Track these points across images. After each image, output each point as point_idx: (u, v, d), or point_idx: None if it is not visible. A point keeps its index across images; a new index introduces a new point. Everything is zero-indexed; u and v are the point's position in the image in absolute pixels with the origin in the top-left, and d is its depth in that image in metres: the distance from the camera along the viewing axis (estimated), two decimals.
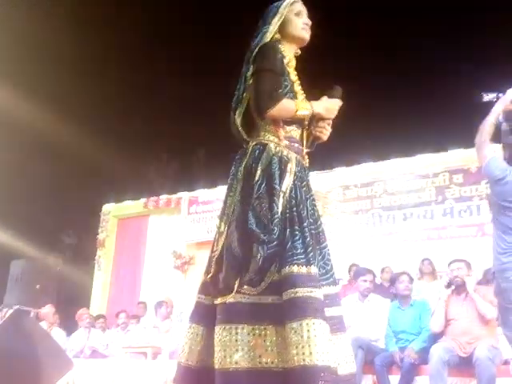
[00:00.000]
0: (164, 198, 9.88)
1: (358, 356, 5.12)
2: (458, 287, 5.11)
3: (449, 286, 5.19)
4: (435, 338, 5.03)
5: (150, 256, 9.77)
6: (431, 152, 7.87)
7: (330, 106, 2.60)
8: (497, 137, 3.91)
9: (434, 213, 7.60)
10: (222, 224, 2.51)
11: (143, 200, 10.08)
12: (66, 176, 9.55)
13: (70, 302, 9.65)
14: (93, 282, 10.14)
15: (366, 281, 5.72)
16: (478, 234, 7.20)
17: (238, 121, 2.58)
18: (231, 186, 2.54)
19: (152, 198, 10.00)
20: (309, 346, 2.17)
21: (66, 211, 10.89)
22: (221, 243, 2.50)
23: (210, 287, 2.48)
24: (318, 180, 8.27)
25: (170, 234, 9.45)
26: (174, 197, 9.78)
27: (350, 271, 6.73)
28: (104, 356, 7.59)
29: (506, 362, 4.85)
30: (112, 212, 10.38)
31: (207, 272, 2.53)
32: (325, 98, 2.62)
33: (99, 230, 10.31)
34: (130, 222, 10.28)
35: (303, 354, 2.16)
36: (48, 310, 7.66)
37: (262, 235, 2.34)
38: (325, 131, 2.61)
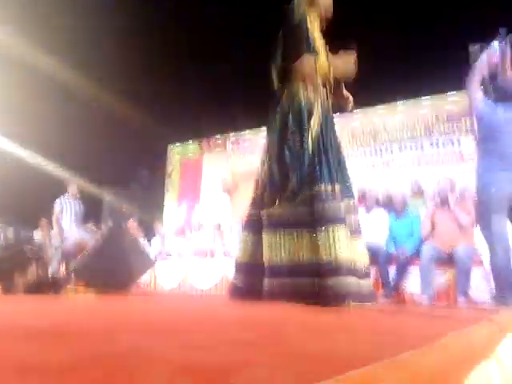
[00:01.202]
0: (215, 138, 9.81)
1: None
2: (443, 200, 5.06)
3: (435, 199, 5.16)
4: (424, 240, 5.06)
5: (206, 183, 9.85)
6: (420, 96, 7.55)
7: (347, 62, 2.51)
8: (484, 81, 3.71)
9: (424, 144, 7.39)
10: (266, 157, 2.50)
11: (198, 143, 10.06)
12: (139, 120, 9.41)
13: (149, 218, 9.87)
14: (164, 203, 10.34)
15: (370, 197, 5.70)
16: (457, 161, 6.99)
17: (274, 73, 2.52)
18: (271, 126, 2.51)
19: (205, 140, 9.96)
20: (332, 246, 2.20)
21: (140, 150, 10.80)
22: (264, 171, 2.50)
23: (258, 203, 2.51)
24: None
25: (220, 167, 9.48)
26: (221, 137, 9.71)
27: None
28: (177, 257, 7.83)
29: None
30: (175, 151, 10.41)
31: (255, 192, 2.55)
32: (344, 57, 2.53)
33: (167, 164, 10.40)
34: (190, 159, 10.31)
35: (328, 252, 2.20)
36: (132, 223, 7.87)
37: (294, 166, 2.34)
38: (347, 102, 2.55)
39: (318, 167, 2.37)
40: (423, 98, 7.54)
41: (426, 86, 7.38)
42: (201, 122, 9.47)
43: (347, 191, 2.51)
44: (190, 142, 10.27)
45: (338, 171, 2.44)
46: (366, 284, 2.43)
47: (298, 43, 2.43)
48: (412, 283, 5.05)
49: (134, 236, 7.20)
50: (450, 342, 0.99)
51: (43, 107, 8.58)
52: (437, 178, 5.72)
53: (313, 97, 2.48)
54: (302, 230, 2.36)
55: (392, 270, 5.21)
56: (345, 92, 2.60)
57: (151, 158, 12.10)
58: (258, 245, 2.48)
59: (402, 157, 7.52)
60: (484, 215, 3.57)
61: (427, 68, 6.86)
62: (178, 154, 10.41)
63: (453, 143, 7.14)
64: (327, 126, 2.48)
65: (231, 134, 9.51)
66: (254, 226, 2.54)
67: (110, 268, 4.64)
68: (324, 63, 2.46)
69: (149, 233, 8.71)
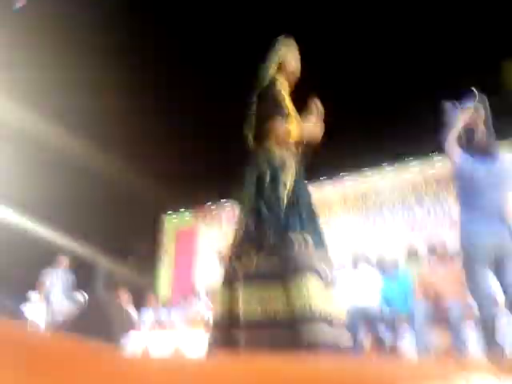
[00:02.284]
0: (209, 209, 9.93)
1: (359, 325, 5.04)
2: (437, 260, 5.03)
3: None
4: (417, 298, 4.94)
5: (201, 254, 9.82)
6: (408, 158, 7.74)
7: (315, 128, 2.63)
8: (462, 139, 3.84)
9: (414, 209, 7.49)
10: (242, 216, 2.55)
11: (192, 212, 10.16)
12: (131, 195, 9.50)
13: (142, 291, 9.72)
14: (160, 275, 10.23)
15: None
16: (447, 224, 7.05)
17: (249, 135, 2.64)
18: (245, 186, 2.58)
19: (200, 212, 10.07)
20: (305, 296, 2.18)
21: (135, 225, 10.84)
22: (240, 225, 2.53)
23: (234, 257, 2.50)
24: (325, 190, 8.31)
25: (215, 236, 9.50)
26: (215, 208, 9.83)
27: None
28: (169, 328, 7.62)
29: None
30: (171, 223, 10.48)
31: (232, 246, 2.55)
32: (310, 122, 2.65)
33: (162, 237, 10.44)
34: (185, 230, 10.36)
35: (301, 302, 2.17)
36: (124, 294, 7.76)
37: (270, 219, 2.39)
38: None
39: (290, 218, 2.41)
40: (411, 163, 7.75)
41: (412, 149, 7.62)
42: (196, 189, 9.62)
43: (320, 242, 2.53)
44: (184, 210, 10.38)
45: (309, 222, 2.47)
46: (343, 336, 2.37)
47: (271, 106, 2.57)
48: (408, 343, 4.89)
49: (121, 306, 7.05)
50: None
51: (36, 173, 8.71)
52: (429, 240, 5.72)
53: (286, 154, 2.59)
54: (275, 281, 2.35)
55: (387, 332, 5.05)
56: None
57: (147, 226, 12.09)
58: (234, 299, 2.45)
59: (393, 220, 7.58)
60: (468, 268, 3.56)
61: (414, 131, 7.13)
62: (173, 224, 10.49)
63: (443, 207, 7.23)
64: (299, 180, 2.56)
65: (225, 203, 9.66)
66: (231, 280, 2.53)
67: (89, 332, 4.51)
68: (296, 126, 2.59)
69: (141, 304, 8.53)
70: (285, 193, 2.46)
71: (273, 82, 2.65)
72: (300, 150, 2.68)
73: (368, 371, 1.13)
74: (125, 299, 7.83)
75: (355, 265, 5.63)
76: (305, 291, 2.21)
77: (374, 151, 7.47)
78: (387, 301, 5.35)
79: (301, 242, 2.32)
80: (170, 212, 10.59)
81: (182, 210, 10.44)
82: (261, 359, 2.06)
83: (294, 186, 2.50)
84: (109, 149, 8.76)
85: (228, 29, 8.40)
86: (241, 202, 2.61)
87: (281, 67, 2.74)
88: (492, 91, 4.01)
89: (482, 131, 3.83)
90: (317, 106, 2.66)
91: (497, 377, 2.16)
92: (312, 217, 2.55)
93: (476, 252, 3.47)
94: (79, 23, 8.17)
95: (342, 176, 8.31)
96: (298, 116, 2.69)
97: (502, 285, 3.56)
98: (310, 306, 2.19)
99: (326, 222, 8.16)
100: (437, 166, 7.27)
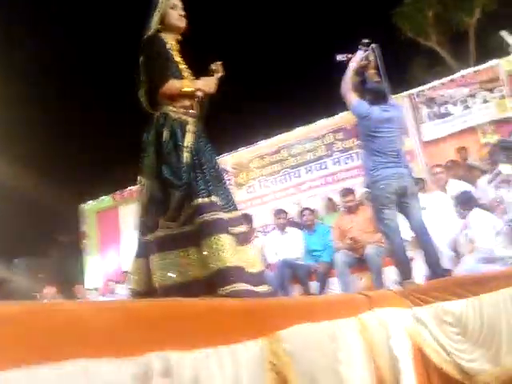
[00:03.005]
0: (127, 190, 9.63)
1: (286, 273, 5.31)
2: (350, 208, 5.31)
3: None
4: (336, 248, 5.23)
5: (125, 237, 9.56)
6: (318, 119, 8.00)
7: (208, 82, 2.60)
8: (357, 86, 4.00)
9: (327, 164, 7.78)
10: (143, 179, 2.49)
11: (112, 196, 9.84)
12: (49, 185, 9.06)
13: (70, 282, 9.36)
14: (84, 264, 9.87)
15: (280, 218, 5.86)
16: (360, 174, 7.37)
17: (144, 98, 2.55)
18: (146, 149, 2.51)
19: (118, 192, 9.75)
20: (218, 254, 2.20)
21: (54, 216, 10.37)
22: (144, 193, 2.48)
23: (143, 228, 2.47)
24: (241, 154, 8.39)
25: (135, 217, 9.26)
26: (133, 188, 9.56)
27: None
28: None
29: None
30: (90, 209, 10.07)
31: (140, 216, 2.51)
32: (205, 78, 2.62)
33: (82, 225, 10.01)
34: (105, 213, 9.99)
35: (215, 261, 2.19)
36: (50, 290, 7.41)
37: (173, 181, 2.35)
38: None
39: (194, 182, 2.38)
40: (320, 120, 8.00)
41: (322, 110, 7.90)
42: (113, 175, 9.31)
43: (229, 204, 2.54)
44: (103, 197, 10.00)
45: (214, 185, 2.47)
46: (263, 290, 2.43)
47: (162, 68, 2.49)
48: (334, 292, 5.16)
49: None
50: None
51: None
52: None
53: (184, 117, 2.53)
54: (189, 248, 2.34)
55: (314, 284, 5.31)
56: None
57: (66, 222, 11.62)
58: (148, 270, 2.42)
59: (309, 178, 7.85)
60: (377, 210, 3.79)
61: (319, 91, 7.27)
62: (92, 210, 10.07)
63: (352, 158, 7.58)
64: (200, 142, 2.53)
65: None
66: (144, 251, 2.48)
67: None
68: (188, 85, 2.53)
69: (70, 296, 8.22)
70: (186, 155, 2.43)
71: (157, 38, 2.56)
72: (197, 106, 2.64)
73: (273, 303, 1.21)
74: (52, 293, 7.50)
75: (281, 229, 5.81)
76: (216, 251, 2.23)
77: (286, 116, 7.62)
78: (310, 252, 5.61)
79: (207, 205, 2.32)
80: (89, 202, 10.16)
81: (102, 197, 10.05)
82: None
83: (196, 148, 2.47)
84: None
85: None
86: (142, 168, 2.54)
87: (164, 23, 2.65)
88: (385, 45, 4.21)
89: (372, 75, 4.03)
90: (218, 69, 2.63)
91: (401, 306, 2.36)
92: (219, 180, 2.56)
93: (383, 196, 3.70)
94: None
95: (257, 141, 8.42)
96: (187, 69, 2.64)
97: (408, 223, 3.85)
98: (225, 265, 2.21)
99: (246, 185, 8.29)
100: (343, 119, 7.56)
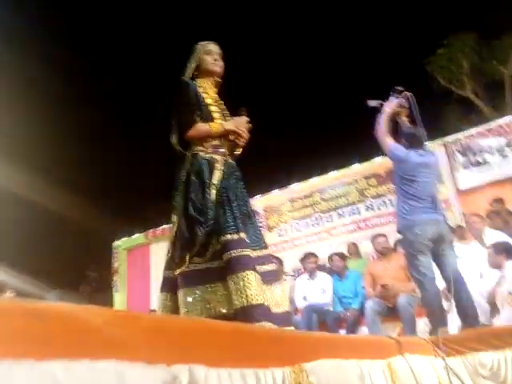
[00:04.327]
0: (160, 228, 9.80)
1: (313, 319, 5.21)
2: (382, 253, 5.23)
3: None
4: (367, 295, 5.12)
5: (155, 275, 9.64)
6: (350, 164, 8.05)
7: (237, 122, 2.69)
8: (391, 131, 4.04)
9: (360, 209, 7.74)
10: (174, 216, 2.56)
11: (144, 234, 10.03)
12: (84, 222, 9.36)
13: None
14: (113, 302, 9.95)
15: (310, 262, 5.81)
16: (393, 220, 7.27)
17: (175, 141, 2.66)
18: (177, 188, 2.60)
19: (150, 230, 9.93)
20: (245, 291, 2.21)
21: (88, 251, 10.65)
22: (173, 230, 2.55)
23: (171, 263, 2.51)
24: (273, 197, 8.47)
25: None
26: (166, 226, 9.73)
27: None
28: None
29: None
30: (121, 245, 10.26)
31: (168, 252, 2.57)
32: (234, 119, 2.72)
33: (113, 261, 10.18)
34: (137, 250, 10.16)
35: (241, 298, 2.20)
36: None
37: (198, 217, 2.41)
38: (239, 141, 2.68)
39: (222, 219, 2.43)
40: (353, 165, 8.05)
41: (355, 155, 7.96)
42: (147, 213, 9.52)
43: (259, 242, 2.57)
44: (136, 235, 10.20)
45: (244, 222, 2.50)
46: (285, 326, 2.40)
47: (188, 112, 2.61)
48: None
49: None
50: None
51: None
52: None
53: (213, 155, 2.61)
54: (216, 283, 2.36)
55: (343, 332, 5.17)
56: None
57: (98, 257, 11.87)
58: (175, 306, 2.44)
59: (341, 223, 7.80)
60: (411, 256, 3.72)
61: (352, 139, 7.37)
62: (124, 247, 10.26)
63: (386, 204, 7.52)
64: (232, 181, 2.58)
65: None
66: (171, 286, 2.51)
67: None
68: (218, 127, 2.62)
69: None
70: (212, 192, 2.49)
71: (187, 83, 2.68)
72: (228, 149, 2.71)
73: (301, 335, 1.21)
74: None
75: (310, 273, 5.77)
76: (242, 288, 2.24)
77: (318, 160, 7.70)
78: (339, 298, 5.51)
79: (235, 242, 2.35)
80: (122, 239, 10.39)
81: (135, 235, 10.27)
82: None
83: (226, 186, 2.53)
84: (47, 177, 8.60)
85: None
86: (174, 206, 2.62)
87: (200, 69, 2.78)
88: (419, 93, 4.28)
89: (404, 122, 4.06)
90: (244, 116, 2.72)
91: (434, 354, 2.28)
92: (249, 216, 2.59)
93: (418, 242, 3.63)
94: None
95: (290, 184, 8.50)
96: (224, 112, 2.74)
97: (442, 272, 3.75)
98: (248, 300, 2.21)
99: (277, 228, 8.30)
100: (376, 165, 7.57)
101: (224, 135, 2.65)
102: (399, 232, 3.89)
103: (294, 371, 1.04)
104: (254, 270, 2.30)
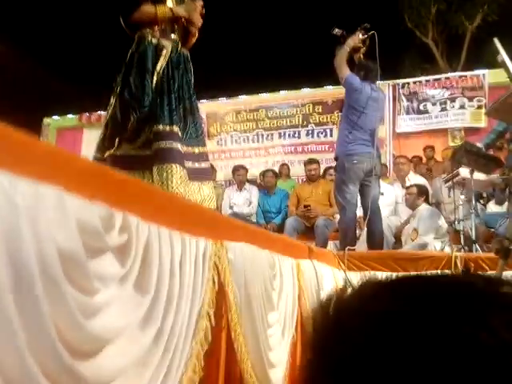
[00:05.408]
0: (96, 114, 9.41)
1: None
2: (312, 178, 5.49)
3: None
4: (290, 214, 5.43)
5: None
6: (302, 88, 8.07)
7: (190, 7, 2.58)
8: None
9: (300, 133, 7.91)
10: (112, 98, 2.51)
11: (78, 115, 9.60)
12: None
13: None
14: None
15: (240, 174, 6.01)
16: (329, 150, 7.54)
17: (124, 23, 2.53)
18: (120, 71, 2.52)
19: (85, 114, 9.52)
20: (167, 182, 2.26)
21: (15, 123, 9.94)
22: (108, 112, 2.50)
23: (101, 145, 2.49)
24: (219, 104, 8.37)
25: None
26: (103, 113, 9.37)
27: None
28: None
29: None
30: (51, 124, 9.80)
31: (100, 135, 2.53)
32: (187, 3, 2.60)
33: (41, 138, 9.76)
34: (68, 132, 9.76)
35: (163, 188, 2.25)
36: None
37: (133, 102, 2.37)
38: (191, 28, 2.59)
39: (158, 108, 2.40)
40: (303, 89, 8.07)
41: (307, 80, 7.96)
42: (82, 96, 9.05)
43: (198, 138, 2.58)
44: (70, 115, 9.75)
45: (182, 115, 2.49)
46: None
47: None
48: None
49: None
50: None
51: None
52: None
53: (161, 41, 2.51)
54: (143, 172, 2.38)
55: None
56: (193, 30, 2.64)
57: (25, 132, 11.23)
58: None
59: (280, 143, 7.97)
60: (342, 182, 3.95)
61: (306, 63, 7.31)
62: (55, 127, 9.82)
63: (326, 133, 7.73)
64: (174, 70, 2.51)
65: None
66: None
67: None
68: (165, 10, 2.50)
69: None
70: (154, 79, 2.44)
71: None
72: (180, 35, 2.62)
73: (224, 218, 1.33)
74: None
75: (239, 185, 5.94)
76: (165, 180, 2.28)
77: (270, 77, 7.61)
78: (263, 213, 5.80)
79: (167, 134, 2.36)
80: (54, 117, 9.86)
81: (69, 116, 9.77)
82: None
83: (170, 75, 2.48)
84: None
85: None
86: (113, 88, 2.55)
87: None
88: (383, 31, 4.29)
89: (359, 59, 4.14)
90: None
91: (337, 267, 2.54)
92: (191, 112, 2.57)
93: (352, 171, 3.85)
94: None
95: (238, 95, 8.41)
96: (175, 2, 2.61)
97: (363, 201, 4.05)
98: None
99: (216, 136, 8.32)
100: (326, 93, 7.66)
101: (175, 20, 2.54)
102: (336, 158, 4.09)
103: (215, 244, 1.16)
104: (182, 164, 2.34)
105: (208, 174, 2.63)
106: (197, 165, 2.52)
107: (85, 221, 0.69)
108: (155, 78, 2.40)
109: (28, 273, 0.61)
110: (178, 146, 2.36)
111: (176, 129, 2.37)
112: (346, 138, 3.98)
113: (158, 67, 2.42)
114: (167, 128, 2.34)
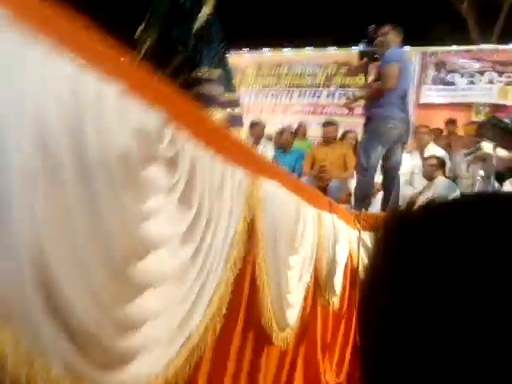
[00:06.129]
0: None
1: None
2: (328, 140, 5.45)
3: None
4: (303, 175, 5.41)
5: None
6: (327, 47, 7.88)
7: None
8: None
9: (321, 94, 7.78)
10: (150, 30, 2.49)
11: None
12: None
13: None
14: None
15: (256, 130, 5.99)
16: (349, 113, 7.41)
17: None
18: (157, 8, 2.49)
19: None
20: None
21: None
22: (147, 45, 2.50)
23: None
24: (240, 56, 8.20)
25: None
26: None
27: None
28: None
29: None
30: None
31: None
32: None
33: None
34: None
35: None
36: None
37: (179, 45, 2.38)
38: None
39: (198, 54, 2.40)
40: (329, 48, 7.88)
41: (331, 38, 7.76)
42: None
43: (227, 86, 2.60)
44: None
45: (220, 60, 2.50)
46: None
47: None
48: None
49: None
50: None
51: None
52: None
53: None
54: None
55: None
56: None
57: None
58: None
59: (300, 101, 7.86)
60: (371, 143, 3.92)
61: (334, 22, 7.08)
62: None
63: (348, 97, 7.59)
64: (212, 19, 2.50)
65: None
66: None
67: None
68: None
69: None
70: (197, 25, 2.42)
71: None
72: None
73: (261, 157, 1.34)
74: None
75: (255, 140, 5.91)
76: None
77: (296, 33, 7.40)
78: None
79: (206, 78, 2.36)
80: None
81: None
82: None
83: (209, 22, 2.46)
84: None
85: None
86: (148, 25, 2.50)
87: None
88: None
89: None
90: None
91: (352, 226, 2.56)
92: (223, 59, 2.58)
93: (386, 134, 3.82)
94: None
95: (261, 48, 8.23)
96: None
97: (384, 164, 4.05)
98: None
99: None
100: (353, 54, 7.47)
101: None
102: (369, 118, 4.02)
103: (251, 179, 1.16)
104: (221, 106, 2.37)
105: (237, 121, 2.64)
106: (228, 110, 2.54)
107: (141, 126, 0.69)
108: (197, 25, 2.39)
109: (88, 169, 0.62)
110: (218, 90, 2.38)
111: (217, 73, 2.39)
112: (380, 101, 3.93)
113: (203, 14, 2.40)
114: (206, 73, 2.36)
